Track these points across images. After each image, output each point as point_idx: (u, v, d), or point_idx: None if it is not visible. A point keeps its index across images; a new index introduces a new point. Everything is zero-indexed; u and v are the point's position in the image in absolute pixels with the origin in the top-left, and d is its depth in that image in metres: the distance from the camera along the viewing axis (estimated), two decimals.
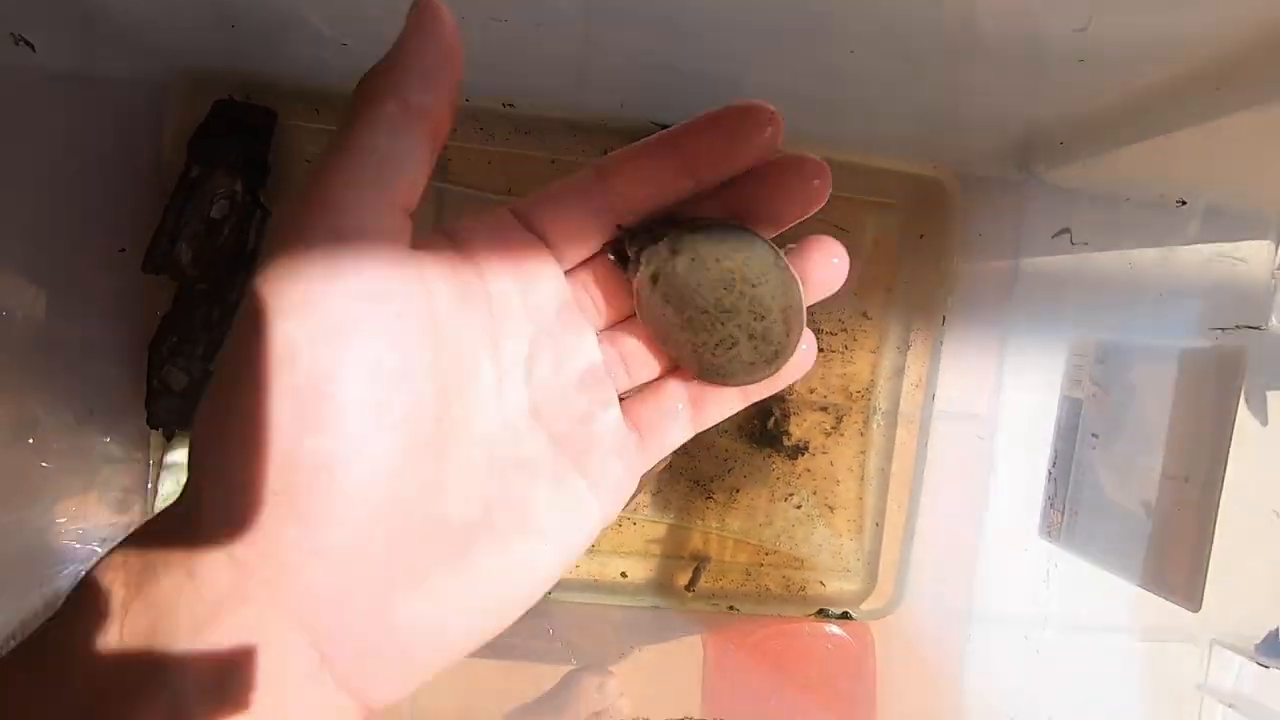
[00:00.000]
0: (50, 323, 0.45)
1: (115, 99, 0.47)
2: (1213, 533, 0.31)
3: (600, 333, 0.25)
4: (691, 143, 0.23)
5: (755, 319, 0.23)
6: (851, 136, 0.52)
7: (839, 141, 0.53)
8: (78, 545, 0.49)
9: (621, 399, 0.24)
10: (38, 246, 0.44)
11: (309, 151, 0.51)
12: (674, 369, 0.25)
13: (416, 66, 0.20)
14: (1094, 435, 0.37)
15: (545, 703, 0.54)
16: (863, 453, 0.57)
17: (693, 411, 0.25)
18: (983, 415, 0.55)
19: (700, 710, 0.55)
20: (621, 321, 0.25)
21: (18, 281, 0.44)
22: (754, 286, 0.22)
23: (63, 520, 0.48)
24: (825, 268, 0.24)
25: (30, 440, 0.46)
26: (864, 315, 0.56)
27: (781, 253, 0.23)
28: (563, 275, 0.24)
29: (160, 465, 0.52)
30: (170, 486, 0.51)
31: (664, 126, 0.52)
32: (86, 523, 0.50)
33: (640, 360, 0.25)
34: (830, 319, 0.56)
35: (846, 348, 0.56)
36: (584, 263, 0.24)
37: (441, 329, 0.20)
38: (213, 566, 0.18)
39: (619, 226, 0.23)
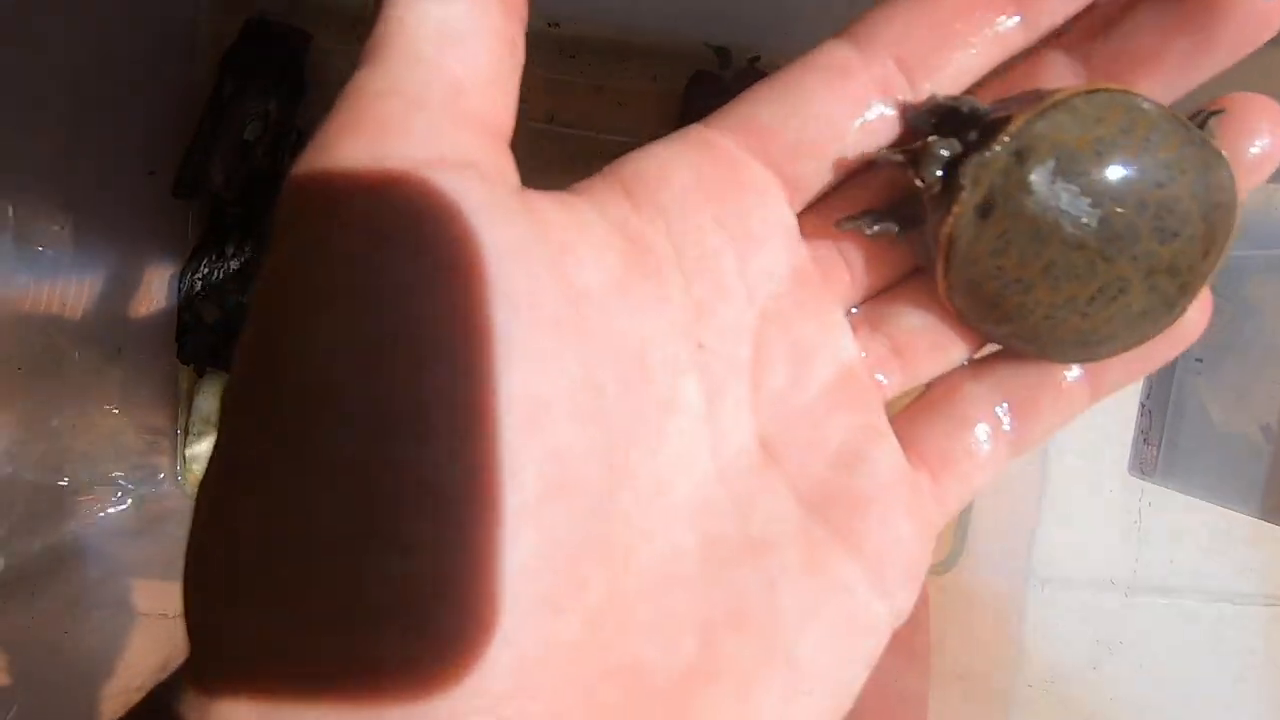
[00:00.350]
0: (78, 252, 0.43)
1: (146, 16, 0.45)
2: None
3: (855, 311, 0.16)
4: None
5: (1163, 239, 0.14)
6: None
7: None
8: (103, 486, 0.47)
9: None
10: (65, 170, 0.42)
11: (348, 74, 0.49)
12: (977, 357, 0.16)
13: None
14: (1198, 360, 0.34)
15: None
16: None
17: (1016, 423, 0.16)
18: None
19: None
20: (890, 288, 0.16)
21: (45, 209, 0.42)
22: (1161, 186, 0.14)
23: (87, 462, 0.46)
24: (1258, 139, 0.14)
25: (57, 376, 0.44)
26: None
27: (1188, 120, 0.14)
28: (795, 222, 0.16)
29: (190, 404, 0.50)
30: (199, 428, 0.49)
31: (722, 50, 0.49)
32: (112, 464, 0.48)
33: (926, 350, 0.16)
34: None
35: None
36: (826, 196, 0.16)
37: (595, 327, 0.12)
38: None
39: (913, 112, 0.14)
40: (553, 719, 0.11)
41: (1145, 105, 0.14)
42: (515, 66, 0.13)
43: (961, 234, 0.14)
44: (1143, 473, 0.37)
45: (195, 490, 0.33)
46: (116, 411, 0.48)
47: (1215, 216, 0.14)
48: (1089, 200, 0.14)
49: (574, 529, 0.11)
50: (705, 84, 0.48)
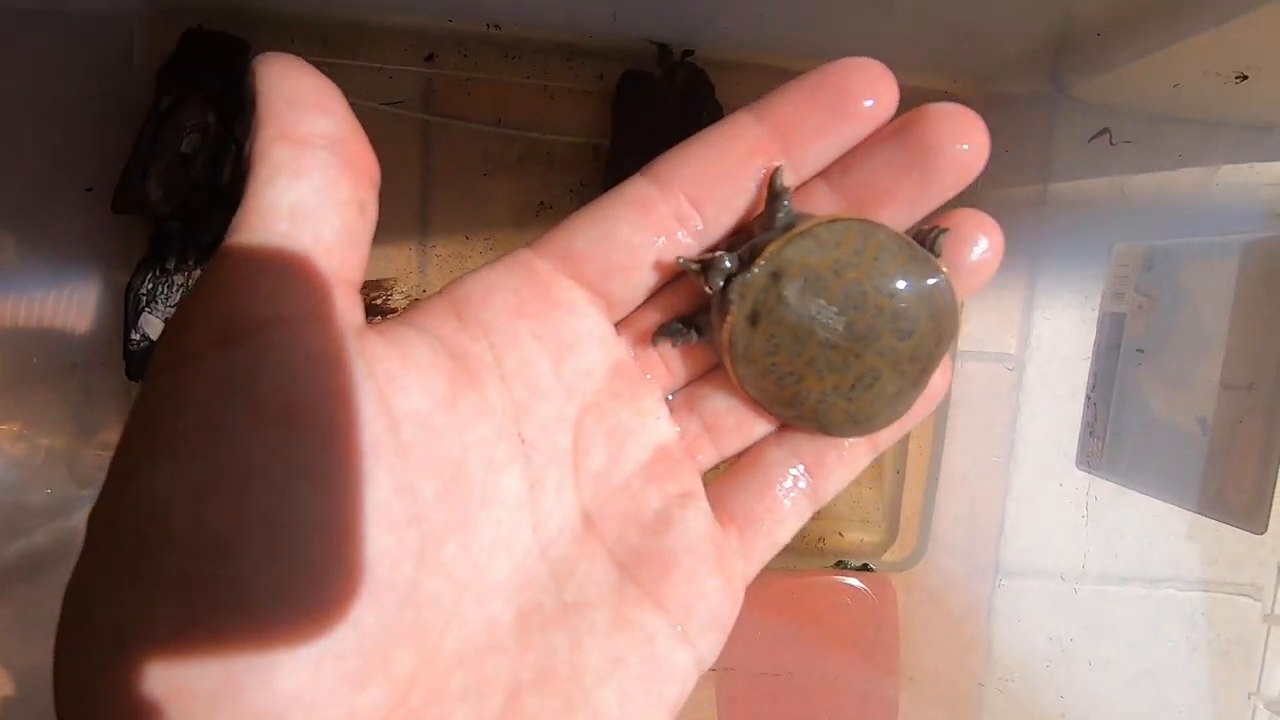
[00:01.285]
0: (20, 272, 0.43)
1: (82, 32, 0.45)
2: None
3: (673, 396, 0.19)
4: (779, 118, 0.17)
5: (901, 337, 0.17)
6: (868, 47, 0.48)
7: (849, 53, 0.49)
8: (62, 505, 0.47)
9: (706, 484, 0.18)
10: (3, 190, 0.42)
11: None
12: (777, 429, 0.19)
13: (288, 98, 0.15)
14: (1139, 351, 0.34)
15: None
16: None
17: (812, 482, 0.19)
18: (1011, 350, 0.51)
19: (712, 673, 0.52)
20: (702, 376, 0.19)
21: None
22: (891, 296, 0.16)
23: (46, 479, 0.46)
24: (977, 247, 0.17)
25: (11, 396, 0.44)
26: None
27: (911, 240, 0.17)
28: (612, 327, 0.18)
29: None
30: None
31: (664, 47, 0.48)
32: (69, 482, 0.48)
33: (732, 427, 0.18)
34: None
35: None
36: (646, 302, 0.18)
37: (414, 443, 0.14)
38: None
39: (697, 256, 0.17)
40: None
41: (875, 230, 0.17)
42: (366, 225, 0.16)
43: (738, 339, 0.17)
44: (1089, 466, 0.37)
45: None
46: (69, 429, 0.48)
47: (940, 316, 0.17)
48: (835, 309, 0.17)
49: (381, 620, 0.13)
50: (637, 82, 0.48)
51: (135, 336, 0.47)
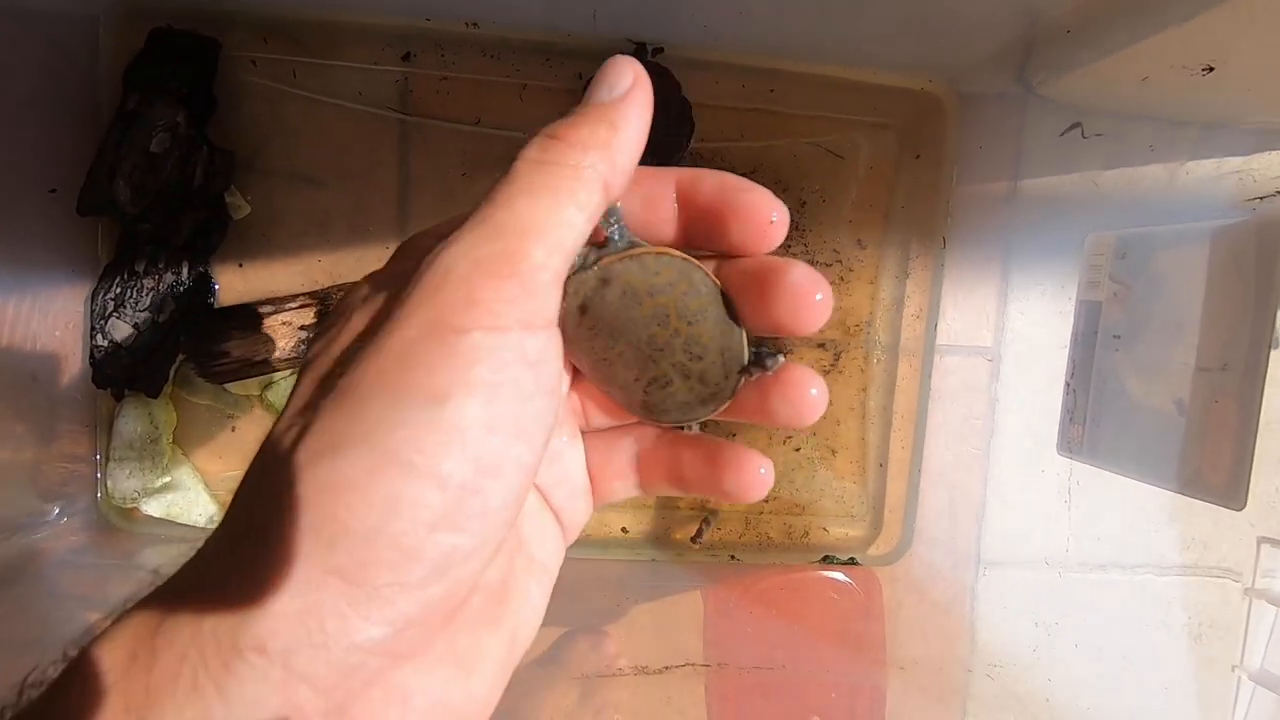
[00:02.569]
0: None
1: (48, 31, 0.43)
2: (1257, 424, 0.28)
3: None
4: (704, 196, 0.20)
5: (691, 359, 0.20)
6: (840, 47, 0.49)
7: (828, 55, 0.50)
8: (24, 519, 0.45)
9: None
10: None
11: (259, 84, 0.48)
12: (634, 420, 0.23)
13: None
14: (1115, 337, 0.35)
15: (538, 667, 0.51)
16: (864, 390, 0.54)
17: (639, 478, 0.23)
18: (988, 342, 0.52)
19: (701, 668, 0.52)
20: None
21: None
22: (690, 325, 0.20)
23: (6, 493, 0.44)
24: (796, 401, 0.21)
25: None
26: (859, 244, 0.53)
27: (721, 289, 0.21)
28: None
29: (110, 431, 0.48)
30: (120, 453, 0.47)
31: (641, 44, 0.48)
32: (33, 495, 0.46)
33: (604, 407, 0.23)
34: (825, 249, 0.53)
35: (842, 279, 0.53)
36: None
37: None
38: (252, 674, 0.15)
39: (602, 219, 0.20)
40: (440, 615, 0.17)
41: (693, 271, 0.20)
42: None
43: (569, 320, 0.20)
44: (1070, 452, 0.37)
45: (118, 518, 0.40)
46: (32, 440, 0.46)
47: (727, 355, 0.21)
48: (642, 321, 0.20)
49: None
50: None
51: (102, 342, 0.45)
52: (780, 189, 0.52)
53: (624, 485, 0.23)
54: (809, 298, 0.19)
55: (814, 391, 0.21)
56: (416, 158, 0.49)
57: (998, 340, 0.52)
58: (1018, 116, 0.50)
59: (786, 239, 0.54)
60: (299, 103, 0.48)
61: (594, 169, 0.18)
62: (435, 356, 0.16)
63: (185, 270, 0.45)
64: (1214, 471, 0.29)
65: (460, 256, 0.17)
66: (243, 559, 0.16)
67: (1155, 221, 0.33)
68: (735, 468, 0.21)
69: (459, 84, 0.49)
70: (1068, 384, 0.38)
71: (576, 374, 0.22)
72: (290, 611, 0.15)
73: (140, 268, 0.44)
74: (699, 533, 0.53)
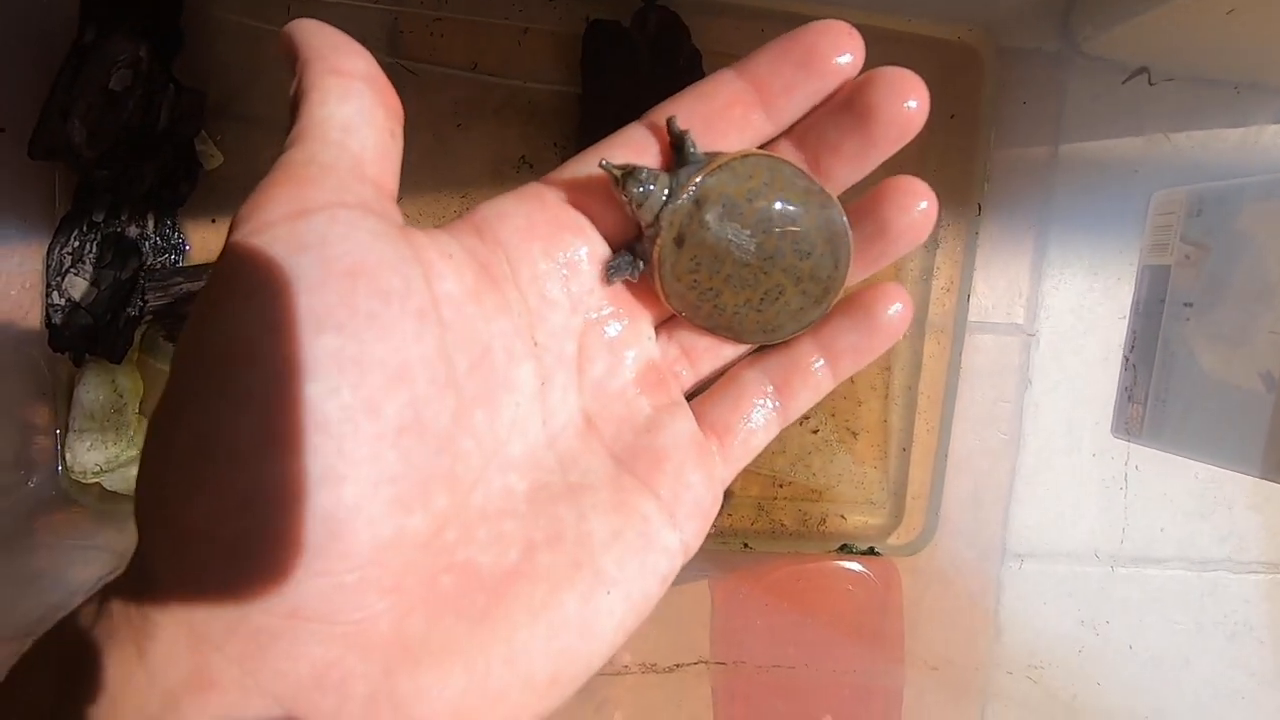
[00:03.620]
0: None
1: None
2: None
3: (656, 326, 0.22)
4: (757, 73, 0.19)
5: (800, 257, 0.20)
6: None
7: (855, 0, 0.46)
8: None
9: (689, 399, 0.21)
10: None
11: (233, 21, 0.43)
12: (744, 356, 0.22)
13: (330, 43, 0.18)
14: (1186, 305, 0.31)
15: None
16: (887, 369, 0.50)
17: (780, 401, 0.21)
18: (1023, 320, 0.48)
19: (709, 656, 0.49)
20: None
21: None
22: (793, 223, 0.19)
23: None
24: (908, 213, 0.20)
25: None
26: None
27: (811, 176, 0.20)
28: (612, 256, 0.21)
29: (69, 400, 0.44)
30: (81, 423, 0.44)
31: None
32: None
33: (704, 350, 0.22)
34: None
35: None
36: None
37: (451, 321, 0.17)
38: (169, 644, 0.14)
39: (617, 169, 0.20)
40: (397, 590, 0.15)
41: (780, 165, 0.19)
42: (397, 149, 0.19)
43: (665, 259, 0.20)
44: (1128, 434, 0.34)
45: (80, 494, 0.38)
46: None
47: (834, 241, 0.20)
48: (748, 232, 0.20)
49: (425, 457, 0.16)
50: (605, 31, 0.44)
51: (59, 301, 0.41)
52: None
53: (764, 422, 0.21)
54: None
55: (924, 204, 0.20)
56: (407, 104, 0.44)
57: (1032, 317, 0.48)
58: (1064, 75, 0.46)
59: None
60: (277, 43, 0.44)
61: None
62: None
63: (150, 223, 0.41)
64: None
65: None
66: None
67: (1243, 172, 0.29)
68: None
69: (454, 25, 0.45)
70: (1126, 359, 0.34)
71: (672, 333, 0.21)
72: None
73: (99, 218, 0.40)
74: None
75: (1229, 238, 0.29)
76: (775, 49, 0.19)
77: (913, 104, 0.19)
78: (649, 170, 0.19)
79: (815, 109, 0.20)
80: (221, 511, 0.14)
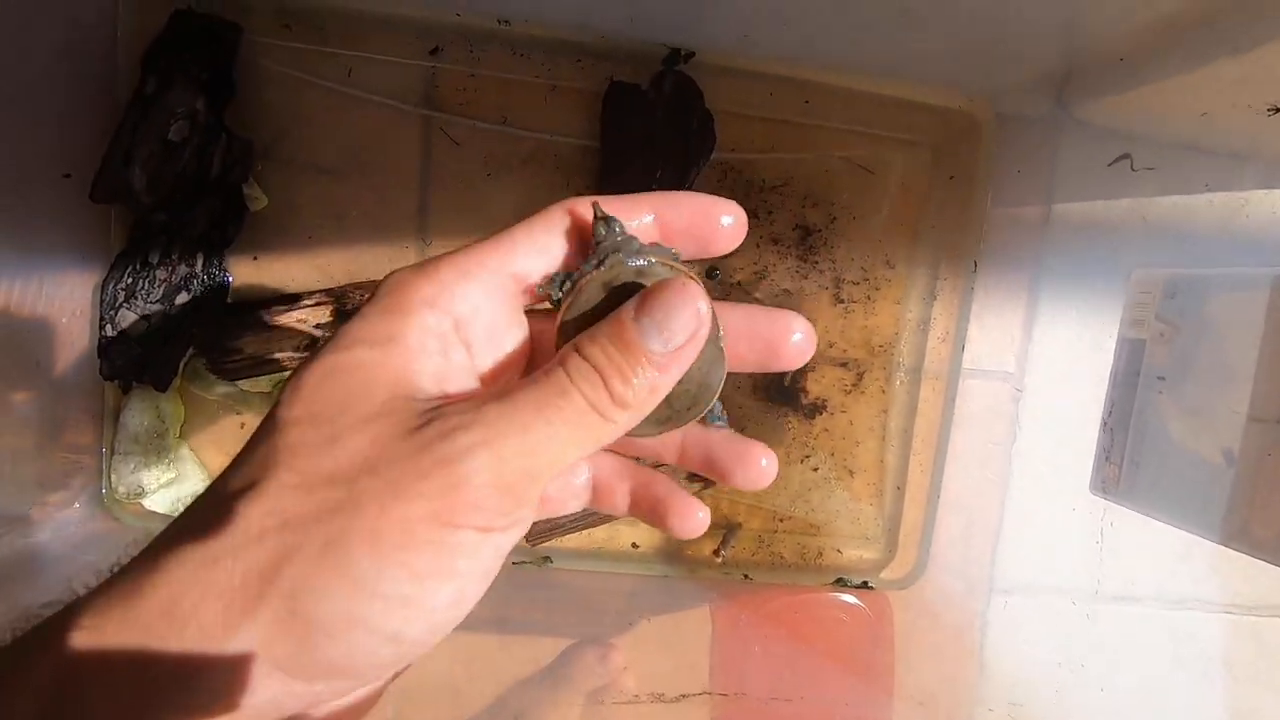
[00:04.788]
0: None
1: (66, 10, 0.42)
2: None
3: None
4: (668, 215, 0.22)
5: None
6: (877, 62, 0.48)
7: (863, 68, 0.49)
8: (26, 511, 0.44)
9: None
10: None
11: (280, 72, 0.46)
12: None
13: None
14: (1159, 379, 0.34)
15: (542, 678, 0.50)
16: (884, 412, 0.53)
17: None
18: (1014, 370, 0.51)
19: (709, 683, 0.51)
20: None
21: None
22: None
23: (7, 483, 0.43)
24: (750, 468, 0.23)
25: None
26: (887, 263, 0.52)
27: (718, 327, 0.21)
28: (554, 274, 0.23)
29: (116, 423, 0.47)
30: (126, 446, 0.46)
31: (675, 50, 0.47)
32: (35, 487, 0.45)
33: None
34: (852, 267, 0.51)
35: (869, 298, 0.52)
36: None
37: None
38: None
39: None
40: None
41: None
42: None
43: (581, 296, 0.21)
44: (1104, 492, 0.37)
45: (121, 512, 0.41)
46: (34, 429, 0.45)
47: (702, 389, 0.22)
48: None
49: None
50: (623, 93, 0.47)
51: (110, 333, 0.44)
52: (810, 203, 0.51)
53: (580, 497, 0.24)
54: (788, 335, 0.22)
55: (764, 462, 0.22)
56: (439, 155, 0.48)
57: (1022, 367, 0.51)
58: (1057, 141, 0.49)
59: (814, 256, 0.53)
60: (320, 93, 0.47)
61: (623, 423, 0.20)
62: (426, 542, 0.17)
63: (200, 263, 0.44)
64: (1263, 526, 0.28)
65: (482, 468, 0.18)
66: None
67: (1206, 261, 0.32)
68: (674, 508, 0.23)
69: (486, 81, 0.48)
70: (1104, 422, 0.37)
71: None
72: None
73: (154, 259, 0.43)
74: (722, 545, 0.52)
75: (1198, 321, 0.32)
76: (690, 201, 0.22)
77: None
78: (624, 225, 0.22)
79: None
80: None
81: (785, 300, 0.51)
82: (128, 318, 0.44)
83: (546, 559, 0.51)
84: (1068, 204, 0.50)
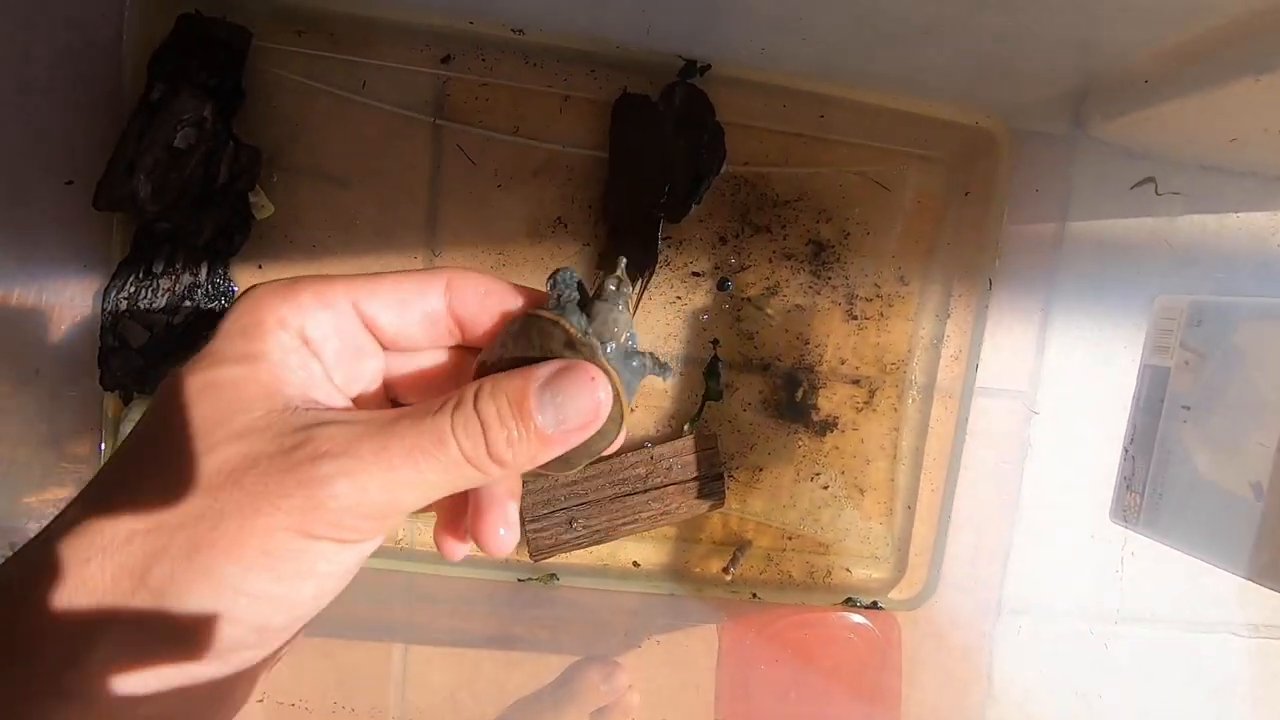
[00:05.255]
0: None
1: (69, 13, 0.41)
2: None
3: None
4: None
5: None
6: (895, 77, 0.47)
7: (880, 83, 0.48)
8: (24, 524, 0.43)
9: None
10: None
11: (289, 79, 0.45)
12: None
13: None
14: (1185, 407, 0.33)
15: (547, 697, 0.50)
16: (896, 430, 0.52)
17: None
18: (1028, 390, 0.50)
19: (714, 703, 0.51)
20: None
21: None
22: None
23: (5, 492, 0.42)
24: (487, 533, 0.23)
25: None
26: (901, 280, 0.51)
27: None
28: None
29: (115, 434, 0.46)
30: None
31: (691, 62, 0.46)
32: (32, 497, 0.44)
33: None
34: (865, 283, 0.51)
35: (882, 315, 0.51)
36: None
37: None
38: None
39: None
40: None
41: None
42: None
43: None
44: (1125, 520, 0.36)
45: None
46: (32, 439, 0.44)
47: (595, 447, 0.22)
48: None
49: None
50: (633, 105, 0.46)
51: (112, 343, 0.43)
52: (823, 218, 0.50)
53: None
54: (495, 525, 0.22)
55: (502, 531, 0.23)
56: (449, 164, 0.47)
57: (1036, 387, 0.50)
58: (1074, 160, 0.48)
59: (827, 271, 0.52)
60: (330, 100, 0.46)
61: (496, 478, 0.20)
62: (287, 549, 0.19)
63: (204, 272, 0.43)
64: None
65: (348, 492, 0.19)
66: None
67: (1234, 287, 0.32)
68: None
69: (498, 90, 0.47)
70: (1125, 450, 0.36)
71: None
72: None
73: (158, 268, 0.42)
74: (732, 562, 0.51)
75: (1226, 351, 0.31)
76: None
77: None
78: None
79: None
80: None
81: (797, 315, 0.50)
82: (130, 328, 0.43)
83: (553, 576, 0.51)
84: (1085, 223, 0.50)
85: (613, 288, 0.22)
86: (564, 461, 0.22)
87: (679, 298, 0.50)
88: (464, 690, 0.48)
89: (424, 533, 0.50)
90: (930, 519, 0.53)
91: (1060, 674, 0.46)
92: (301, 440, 0.19)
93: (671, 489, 0.49)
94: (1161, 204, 0.40)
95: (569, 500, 0.48)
